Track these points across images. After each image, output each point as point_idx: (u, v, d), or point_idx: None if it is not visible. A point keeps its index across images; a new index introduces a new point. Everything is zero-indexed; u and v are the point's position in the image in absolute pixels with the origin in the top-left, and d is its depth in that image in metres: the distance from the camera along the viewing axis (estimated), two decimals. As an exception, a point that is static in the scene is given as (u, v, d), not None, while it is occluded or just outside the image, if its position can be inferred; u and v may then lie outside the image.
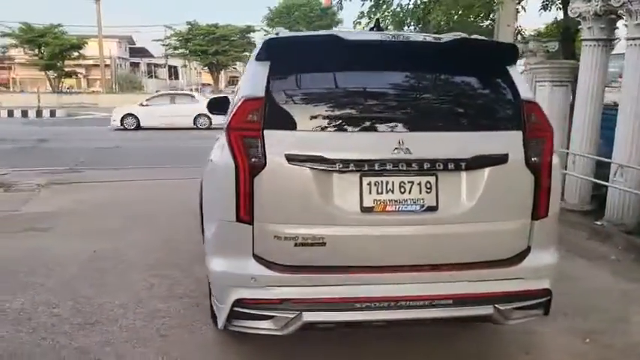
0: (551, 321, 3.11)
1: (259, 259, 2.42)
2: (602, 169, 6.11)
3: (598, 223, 5.70)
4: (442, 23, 9.29)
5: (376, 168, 2.40)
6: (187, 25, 42.63)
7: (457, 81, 2.70)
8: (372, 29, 2.91)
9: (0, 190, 7.94)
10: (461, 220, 2.50)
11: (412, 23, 10.34)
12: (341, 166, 2.38)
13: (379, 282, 2.45)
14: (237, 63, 47.27)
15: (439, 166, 2.45)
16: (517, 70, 2.72)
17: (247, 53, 54.73)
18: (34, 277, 4.19)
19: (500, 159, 2.51)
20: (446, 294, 2.49)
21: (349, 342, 3.08)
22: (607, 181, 5.70)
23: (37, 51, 40.24)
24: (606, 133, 6.06)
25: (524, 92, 2.63)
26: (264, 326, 2.43)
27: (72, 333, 3.27)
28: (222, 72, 50.83)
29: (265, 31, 46.95)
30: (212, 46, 41.79)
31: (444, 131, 2.54)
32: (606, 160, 5.80)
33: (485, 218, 2.52)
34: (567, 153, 6.35)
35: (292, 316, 2.39)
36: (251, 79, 2.53)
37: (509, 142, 2.56)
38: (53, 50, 38.76)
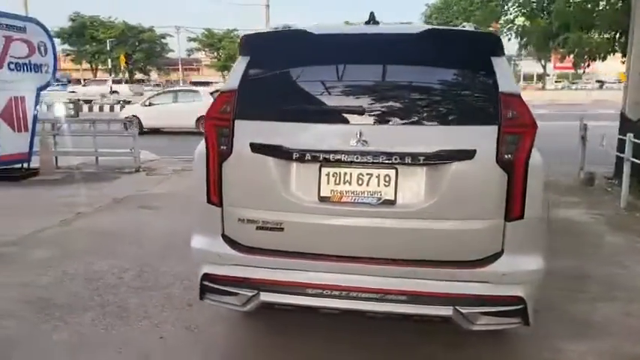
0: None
1: (226, 239, 2.65)
2: None
3: None
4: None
5: (334, 159, 2.47)
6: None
7: (427, 73, 2.61)
8: (367, 23, 2.93)
9: (143, 174, 9.27)
10: (420, 216, 2.44)
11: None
12: (300, 156, 2.50)
13: (332, 270, 2.52)
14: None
15: (396, 159, 2.43)
16: (502, 62, 2.54)
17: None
18: (123, 246, 4.94)
19: (466, 155, 2.40)
20: (399, 289, 2.46)
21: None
22: None
23: (215, 54, 45.09)
24: None
25: (505, 85, 2.46)
26: (230, 301, 2.66)
27: (123, 294, 3.84)
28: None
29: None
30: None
31: (407, 124, 2.50)
32: None
33: (447, 216, 2.43)
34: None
35: (251, 294, 2.58)
36: (231, 73, 2.76)
37: (480, 137, 2.43)
38: (229, 53, 43.05)
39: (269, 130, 2.58)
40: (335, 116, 2.56)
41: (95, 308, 3.62)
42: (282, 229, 2.56)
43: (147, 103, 17.41)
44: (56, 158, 9.64)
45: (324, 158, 2.48)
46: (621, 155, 6.74)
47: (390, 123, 2.51)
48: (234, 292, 2.62)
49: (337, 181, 2.52)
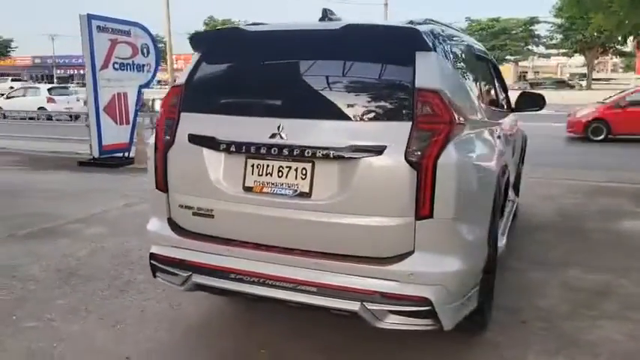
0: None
1: (171, 223, 2.88)
2: None
3: None
4: None
5: (258, 151, 2.58)
6: (466, 21, 42.46)
7: (348, 69, 2.59)
8: (320, 19, 2.97)
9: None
10: (333, 209, 2.46)
11: None
12: (227, 147, 2.65)
13: (252, 258, 2.63)
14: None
15: (310, 153, 2.47)
16: (428, 56, 2.45)
17: (530, 47, 51.63)
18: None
19: (375, 150, 2.37)
20: (310, 280, 2.50)
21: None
22: None
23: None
24: None
25: (424, 80, 2.38)
26: (172, 281, 2.89)
27: (139, 270, 4.26)
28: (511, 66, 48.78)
29: (548, 22, 43.24)
30: (490, 41, 40.63)
31: (324, 119, 2.52)
32: None
33: (358, 211, 2.43)
34: None
35: (186, 275, 2.79)
36: (185, 68, 2.97)
37: (392, 133, 2.38)
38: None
39: (205, 122, 2.76)
40: (259, 110, 2.67)
41: (106, 280, 4.06)
42: (212, 216, 2.72)
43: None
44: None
45: (249, 150, 2.60)
46: None
47: (308, 117, 2.55)
48: (174, 273, 2.84)
49: (260, 173, 2.62)
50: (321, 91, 2.59)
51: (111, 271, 4.25)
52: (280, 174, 2.57)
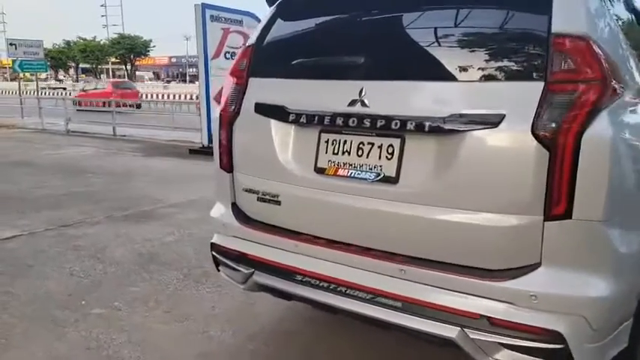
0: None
1: (235, 209, 2.43)
2: None
3: None
4: None
5: (330, 123, 2.04)
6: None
7: (448, 11, 1.93)
8: None
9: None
10: (426, 200, 1.85)
11: None
12: (297, 118, 2.14)
13: (322, 257, 2.09)
14: None
15: (396, 125, 1.88)
16: None
17: None
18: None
19: (488, 122, 1.71)
20: (392, 292, 1.90)
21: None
22: None
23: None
24: None
25: (563, 21, 1.67)
26: (233, 277, 2.44)
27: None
28: None
29: None
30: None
31: (418, 80, 1.90)
32: None
33: (461, 204, 1.79)
34: None
35: (247, 272, 2.33)
36: (257, 26, 2.50)
37: (513, 97, 1.71)
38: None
39: (275, 89, 2.27)
40: (337, 71, 2.12)
41: (184, 270, 3.78)
42: (278, 203, 2.23)
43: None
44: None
45: (322, 121, 2.06)
46: None
47: (398, 78, 1.95)
48: (234, 268, 2.39)
49: (335, 151, 2.07)
50: (415, 44, 1.98)
51: (192, 260, 3.97)
52: (360, 152, 2.00)
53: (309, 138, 2.13)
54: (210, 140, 9.61)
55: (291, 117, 2.14)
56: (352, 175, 2.01)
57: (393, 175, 1.91)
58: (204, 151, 9.63)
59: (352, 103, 1.97)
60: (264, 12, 2.50)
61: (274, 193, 2.23)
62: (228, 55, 9.86)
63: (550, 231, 1.65)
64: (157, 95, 27.95)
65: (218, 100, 9.67)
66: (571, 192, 1.60)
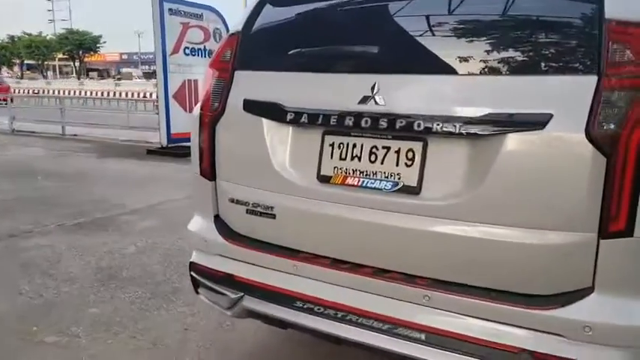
0: None
1: (219, 222, 2.10)
2: None
3: None
4: None
5: (337, 124, 1.74)
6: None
7: None
8: None
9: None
10: (454, 214, 1.58)
11: None
12: (296, 117, 1.83)
13: (328, 280, 1.79)
14: None
15: (418, 126, 1.60)
16: None
17: None
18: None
19: (531, 122, 1.46)
20: (415, 322, 1.63)
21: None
22: None
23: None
24: None
25: (619, 6, 1.44)
26: (216, 301, 2.11)
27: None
28: None
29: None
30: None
31: (443, 74, 1.63)
32: None
33: (497, 219, 1.53)
34: None
35: (235, 296, 2.00)
36: (243, 12, 2.17)
37: (561, 94, 1.46)
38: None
39: (267, 84, 1.96)
40: (344, 63, 1.83)
41: (150, 285, 3.40)
42: (273, 216, 1.91)
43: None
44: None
45: (327, 122, 1.76)
46: None
47: (418, 72, 1.67)
48: (219, 291, 2.06)
49: (343, 155, 1.78)
50: (441, 30, 1.70)
51: (158, 275, 3.59)
52: (373, 158, 1.72)
53: (311, 141, 1.83)
54: (170, 140, 9.13)
55: (289, 116, 1.83)
56: (364, 184, 1.72)
57: (414, 184, 1.64)
58: (164, 152, 9.16)
59: (364, 100, 1.68)
60: (225, 7, 2.16)
61: (268, 204, 1.92)
62: (187, 51, 9.40)
63: (606, 251, 1.41)
64: (108, 93, 26.79)
65: (179, 99, 9.20)
66: (633, 206, 1.37)
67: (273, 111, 1.87)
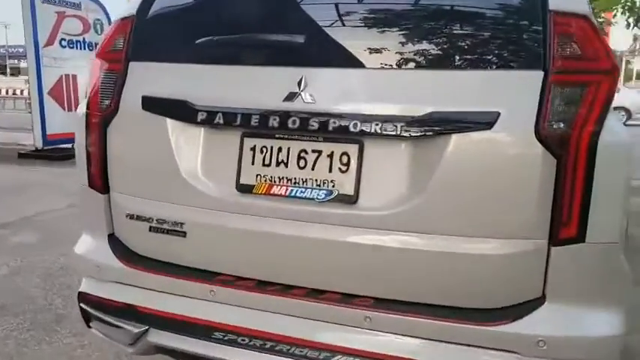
0: None
1: (113, 242, 1.77)
2: None
3: None
4: None
5: (259, 124, 1.50)
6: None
7: None
8: None
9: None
10: (397, 225, 1.41)
11: None
12: (208, 117, 1.55)
13: (253, 306, 1.55)
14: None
15: (355, 127, 1.41)
16: None
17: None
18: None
19: (480, 121, 1.33)
20: (356, 349, 1.44)
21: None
22: None
23: None
24: None
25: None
26: (114, 337, 1.77)
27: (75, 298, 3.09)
28: None
29: None
30: None
31: (380, 69, 1.46)
32: None
33: (443, 228, 1.38)
34: None
35: (138, 330, 1.67)
36: None
37: (507, 90, 1.35)
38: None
39: (173, 77, 1.66)
40: (265, 53, 1.59)
41: (28, 314, 2.90)
42: (183, 234, 1.63)
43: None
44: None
45: (247, 122, 1.51)
46: None
47: (352, 65, 1.48)
48: (118, 325, 1.72)
49: (267, 161, 1.54)
50: (376, 19, 1.52)
51: (38, 300, 3.09)
52: (302, 163, 1.50)
53: (228, 144, 1.57)
54: (46, 142, 8.23)
55: (200, 116, 1.56)
56: (293, 193, 1.50)
57: (351, 192, 1.45)
58: (39, 155, 8.23)
59: (290, 97, 1.46)
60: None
61: (176, 220, 1.63)
62: (64, 43, 8.54)
63: (557, 258, 1.33)
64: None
65: (55, 96, 8.31)
66: (585, 209, 1.29)
67: (180, 110, 1.59)
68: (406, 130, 1.37)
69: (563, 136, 1.28)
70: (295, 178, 1.50)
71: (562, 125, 1.28)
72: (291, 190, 1.50)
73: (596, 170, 1.27)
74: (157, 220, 1.65)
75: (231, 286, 1.57)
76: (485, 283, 1.36)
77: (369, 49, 1.45)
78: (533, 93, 1.30)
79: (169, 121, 1.61)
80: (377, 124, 1.39)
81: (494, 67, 1.38)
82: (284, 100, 1.47)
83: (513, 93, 1.34)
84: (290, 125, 1.46)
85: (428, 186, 1.37)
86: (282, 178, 1.52)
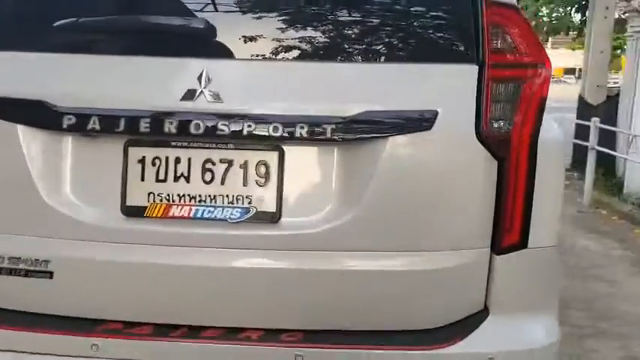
0: None
1: None
2: None
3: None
4: None
5: (150, 130, 1.19)
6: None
7: None
8: None
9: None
10: (328, 245, 1.21)
11: None
12: (78, 122, 1.19)
13: (155, 357, 1.24)
14: None
15: (275, 130, 1.17)
16: None
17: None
18: None
19: (417, 122, 1.17)
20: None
21: None
22: None
23: None
24: None
25: None
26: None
27: None
28: None
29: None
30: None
31: (301, 61, 1.25)
32: None
33: (378, 244, 1.21)
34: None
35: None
36: None
37: (442, 87, 1.22)
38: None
39: (22, 70, 1.26)
40: (155, 41, 1.28)
41: None
42: (49, 275, 1.25)
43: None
44: None
45: (133, 127, 1.19)
46: (583, 143, 5.85)
47: (266, 57, 1.24)
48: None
49: (162, 176, 1.23)
50: (296, 4, 1.29)
51: None
52: (209, 177, 1.23)
53: (106, 157, 1.24)
54: None
55: (66, 121, 1.20)
56: (199, 214, 1.22)
57: (272, 209, 1.22)
58: None
59: (189, 95, 1.18)
60: None
61: (37, 257, 1.25)
62: None
63: (500, 267, 1.24)
64: None
65: None
66: (527, 214, 1.21)
67: (35, 113, 1.21)
68: (334, 134, 1.17)
69: (504, 135, 1.19)
70: (200, 196, 1.22)
71: (502, 124, 1.20)
72: (196, 211, 1.22)
73: (538, 171, 1.20)
74: (8, 260, 1.25)
75: (121, 336, 1.24)
76: (433, 299, 1.23)
77: (288, 37, 1.22)
78: (470, 89, 1.20)
79: (21, 129, 1.22)
80: (300, 127, 1.17)
81: (426, 60, 1.24)
82: (182, 99, 1.18)
83: (449, 90, 1.22)
84: (191, 130, 1.18)
85: (363, 198, 1.19)
86: (184, 195, 1.22)
